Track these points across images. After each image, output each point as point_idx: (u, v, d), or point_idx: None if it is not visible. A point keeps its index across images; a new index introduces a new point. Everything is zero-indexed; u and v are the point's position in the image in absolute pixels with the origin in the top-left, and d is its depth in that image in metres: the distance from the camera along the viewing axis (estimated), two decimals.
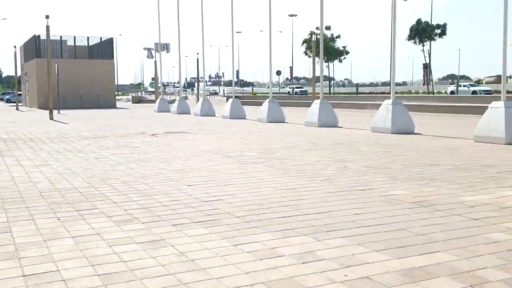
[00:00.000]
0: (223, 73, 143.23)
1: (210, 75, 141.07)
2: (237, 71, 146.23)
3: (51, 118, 19.78)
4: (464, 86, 49.62)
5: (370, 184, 5.44)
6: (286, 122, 16.58)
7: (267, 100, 17.46)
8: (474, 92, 44.97)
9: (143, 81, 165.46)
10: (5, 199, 4.85)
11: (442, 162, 7.07)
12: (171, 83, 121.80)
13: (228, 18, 19.58)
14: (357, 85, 60.05)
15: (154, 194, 5.07)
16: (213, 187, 5.40)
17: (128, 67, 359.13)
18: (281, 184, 5.50)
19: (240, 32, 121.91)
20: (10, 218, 4.11)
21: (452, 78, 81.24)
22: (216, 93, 78.40)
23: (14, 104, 50.10)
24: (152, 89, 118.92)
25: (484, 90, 47.27)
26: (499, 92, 12.80)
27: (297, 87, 68.36)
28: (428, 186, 5.28)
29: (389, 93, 14.48)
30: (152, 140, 10.99)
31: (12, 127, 15.52)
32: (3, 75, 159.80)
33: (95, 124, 16.87)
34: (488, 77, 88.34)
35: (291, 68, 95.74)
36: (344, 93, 48.10)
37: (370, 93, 53.46)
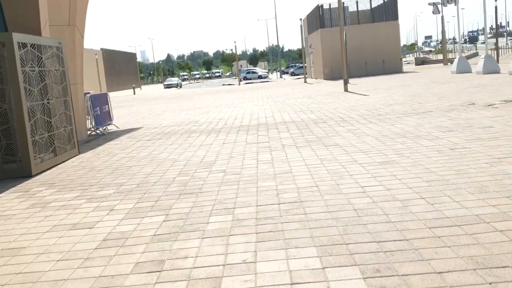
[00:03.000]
0: (507, 22, 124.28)
1: (491, 26, 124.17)
2: None
3: (346, 89, 18.52)
4: None
5: None
6: None
7: None
8: None
9: (416, 41, 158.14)
10: (388, 245, 2.96)
11: None
12: (450, 39, 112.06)
13: None
14: None
15: None
16: None
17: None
18: None
19: None
20: None
21: None
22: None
23: (299, 76, 52.58)
24: (428, 49, 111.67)
25: None
26: None
27: None
28: None
29: None
30: (499, 114, 8.17)
31: (312, 103, 14.62)
32: (284, 50, 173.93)
33: (398, 94, 14.74)
34: None
35: None
36: None
37: None
